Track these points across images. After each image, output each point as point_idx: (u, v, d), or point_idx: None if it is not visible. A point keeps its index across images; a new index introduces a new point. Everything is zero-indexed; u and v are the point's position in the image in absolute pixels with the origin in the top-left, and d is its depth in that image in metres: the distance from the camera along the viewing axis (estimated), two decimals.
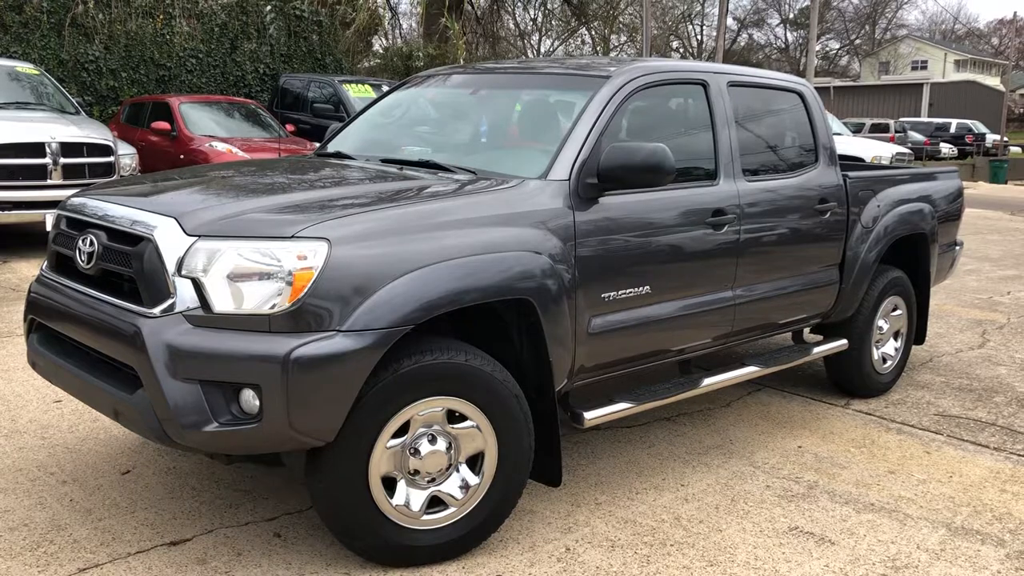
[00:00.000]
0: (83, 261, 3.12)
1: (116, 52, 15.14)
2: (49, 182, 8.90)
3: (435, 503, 3.16)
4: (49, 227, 3.56)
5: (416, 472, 3.09)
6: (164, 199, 3.20)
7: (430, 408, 3.06)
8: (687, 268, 3.95)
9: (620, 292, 3.64)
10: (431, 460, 3.10)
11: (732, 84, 4.33)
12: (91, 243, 3.10)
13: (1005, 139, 44.99)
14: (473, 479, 3.20)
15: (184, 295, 2.82)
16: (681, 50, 63.86)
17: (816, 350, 4.89)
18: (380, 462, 3.01)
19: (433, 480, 3.14)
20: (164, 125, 11.47)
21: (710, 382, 4.21)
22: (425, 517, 3.13)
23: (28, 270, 8.47)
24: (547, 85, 4.15)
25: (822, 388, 5.47)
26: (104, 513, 3.50)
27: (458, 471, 3.18)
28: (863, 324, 5.14)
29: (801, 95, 4.81)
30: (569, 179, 3.49)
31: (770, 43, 69.64)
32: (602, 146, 3.58)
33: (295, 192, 3.32)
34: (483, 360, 3.14)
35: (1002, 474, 4.29)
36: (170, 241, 2.85)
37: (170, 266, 2.83)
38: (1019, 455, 4.55)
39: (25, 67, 10.88)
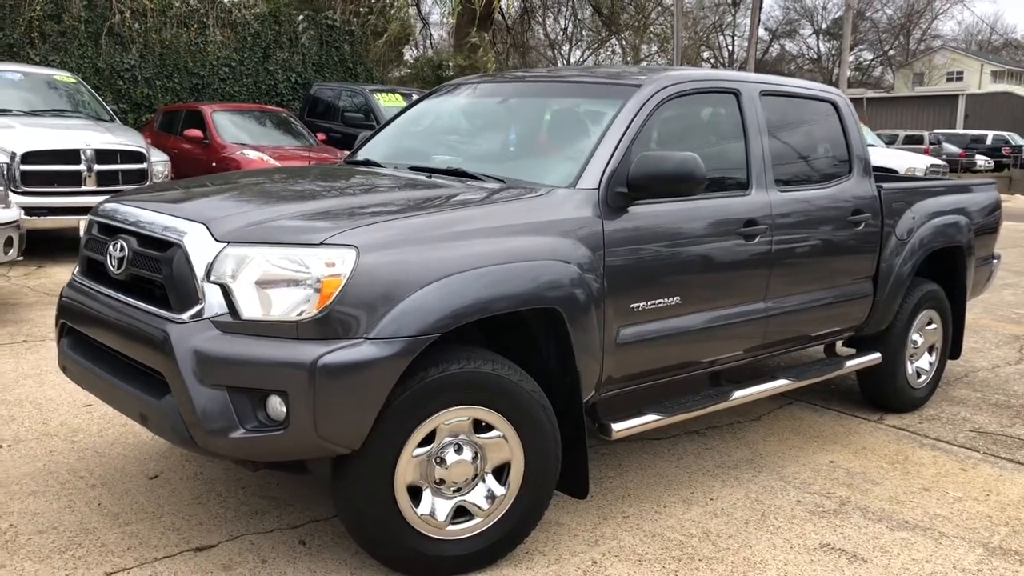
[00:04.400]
0: (113, 266, 3.14)
1: (151, 61, 15.33)
2: (84, 188, 9.01)
3: (460, 513, 3.14)
4: (82, 232, 3.59)
5: (442, 481, 3.07)
6: (194, 205, 3.21)
7: (456, 417, 3.04)
8: (718, 279, 3.91)
9: (649, 302, 3.60)
10: (457, 470, 3.07)
11: (764, 93, 4.29)
12: (121, 248, 3.12)
13: None
14: (499, 489, 3.17)
15: (212, 301, 2.82)
16: (712, 60, 63.64)
17: (849, 363, 4.82)
18: (406, 471, 2.99)
19: (459, 490, 3.11)
20: (197, 133, 11.58)
21: (740, 395, 4.16)
22: (450, 527, 3.11)
23: (62, 275, 8.56)
24: (576, 94, 4.13)
25: (854, 402, 5.38)
26: (132, 517, 3.50)
27: (484, 481, 3.15)
28: (897, 338, 5.06)
29: (835, 104, 4.75)
30: (598, 188, 3.46)
31: (802, 54, 69.20)
32: (632, 155, 3.55)
33: (324, 199, 3.32)
34: (510, 369, 3.12)
35: None
36: (199, 247, 2.86)
37: (199, 272, 2.84)
38: None
39: (63, 75, 11.04)
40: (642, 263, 3.55)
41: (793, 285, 4.29)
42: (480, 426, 3.10)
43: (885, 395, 5.19)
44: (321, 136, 12.62)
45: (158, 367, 2.87)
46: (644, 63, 41.87)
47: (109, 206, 3.43)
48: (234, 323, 2.80)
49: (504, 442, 3.13)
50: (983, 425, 5.16)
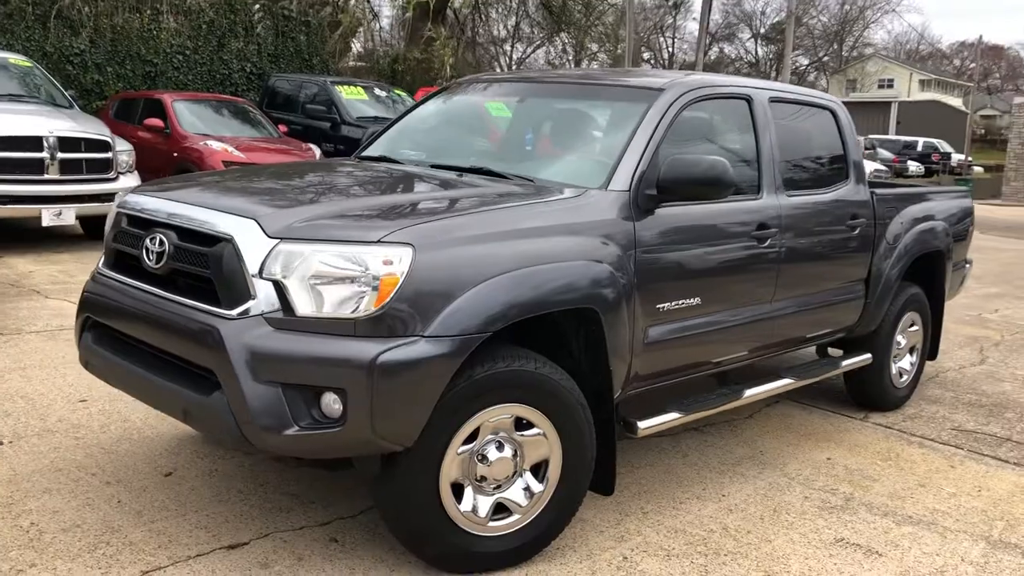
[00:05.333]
0: (151, 261, 3.09)
1: (102, 46, 14.93)
2: (46, 177, 8.76)
3: (499, 510, 3.17)
4: (108, 226, 3.51)
5: (483, 478, 3.10)
6: (240, 201, 3.17)
7: (500, 415, 3.07)
8: (733, 281, 4.00)
9: (673, 303, 3.67)
10: (499, 467, 3.10)
11: (773, 100, 4.40)
12: (161, 243, 3.06)
13: (969, 159, 45.88)
14: (537, 486, 3.21)
15: (264, 297, 2.80)
16: (652, 62, 64.32)
17: (844, 363, 4.96)
18: (450, 468, 3.01)
19: (499, 487, 3.14)
20: (157, 122, 11.33)
21: (751, 393, 4.26)
22: (491, 524, 3.14)
23: (24, 265, 8.33)
24: (598, 96, 4.18)
25: (839, 401, 5.54)
26: (155, 515, 3.45)
27: (523, 478, 3.19)
28: (884, 339, 5.23)
29: (833, 112, 4.89)
30: (629, 190, 3.52)
31: (740, 57, 70.41)
32: (659, 157, 3.61)
33: (365, 196, 3.32)
34: (551, 368, 3.16)
35: None
36: (251, 243, 2.84)
37: (251, 268, 2.81)
38: None
39: (17, 59, 10.70)
40: (668, 264, 3.62)
41: (797, 287, 4.41)
42: (520, 423, 3.14)
43: (871, 394, 5.36)
44: (283, 128, 12.45)
45: (207, 364, 2.84)
46: (588, 63, 42.15)
47: (138, 199, 3.37)
48: (288, 320, 2.78)
49: (544, 439, 3.17)
50: (962, 423, 5.36)
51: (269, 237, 2.83)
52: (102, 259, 3.46)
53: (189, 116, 11.54)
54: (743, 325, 4.11)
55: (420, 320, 2.79)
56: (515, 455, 3.14)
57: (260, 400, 2.73)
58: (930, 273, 5.63)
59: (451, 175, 3.73)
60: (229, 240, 2.87)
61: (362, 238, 2.81)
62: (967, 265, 6.26)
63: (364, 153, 4.47)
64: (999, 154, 54.43)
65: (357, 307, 2.76)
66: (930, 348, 5.82)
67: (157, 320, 3.03)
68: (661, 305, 3.62)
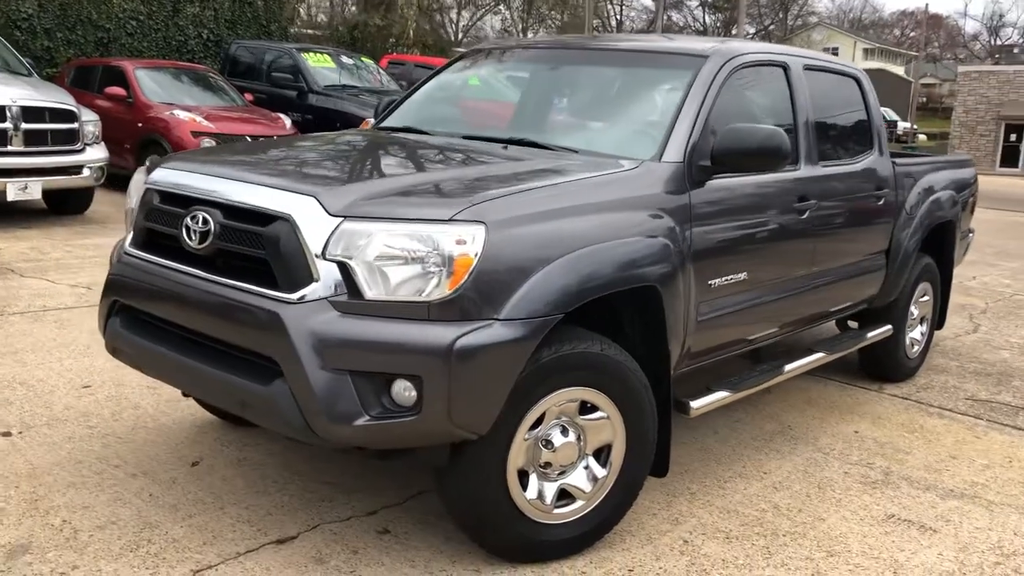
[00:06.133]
0: (193, 241, 2.87)
1: (51, 11, 14.27)
2: (9, 148, 8.33)
3: (562, 496, 3.05)
4: (133, 202, 3.28)
5: (548, 465, 2.97)
6: (292, 176, 2.97)
7: (566, 399, 2.94)
8: (776, 254, 3.91)
9: (723, 278, 3.57)
10: (564, 452, 2.98)
11: (807, 68, 4.29)
12: (204, 221, 2.85)
13: (915, 127, 46.68)
14: (600, 471, 3.09)
15: (328, 280, 2.62)
16: (601, 29, 63.98)
17: (869, 335, 4.92)
18: (517, 455, 2.89)
19: (563, 472, 3.02)
20: (119, 91, 10.88)
21: (790, 368, 4.20)
22: (556, 511, 3.02)
23: None
24: (637, 63, 4.01)
25: (852, 373, 5.51)
26: (192, 509, 3.27)
27: (586, 463, 3.07)
28: (901, 310, 5.21)
29: (859, 80, 4.81)
30: (683, 161, 3.39)
31: (688, 25, 70.41)
32: (709, 127, 3.49)
33: (423, 171, 3.14)
34: (615, 350, 3.03)
35: None
36: (311, 222, 2.65)
37: (313, 248, 2.63)
38: None
39: None
40: (719, 239, 3.52)
41: (829, 260, 4.34)
42: (584, 407, 3.01)
43: (885, 366, 5.34)
44: (248, 96, 12.06)
45: (267, 351, 2.65)
46: (540, 29, 41.74)
47: (171, 174, 3.13)
48: (355, 303, 2.61)
49: (608, 423, 3.05)
50: (974, 393, 5.37)
51: (331, 215, 2.64)
52: (129, 238, 3.22)
53: (151, 84, 11.10)
54: (782, 300, 4.02)
55: (494, 302, 2.64)
56: (578, 440, 3.02)
57: (328, 389, 2.56)
58: (940, 243, 5.61)
59: (495, 147, 3.56)
60: (287, 219, 2.67)
61: (433, 216, 2.64)
62: (971, 234, 6.27)
63: (385, 124, 4.26)
64: (941, 122, 55.48)
65: (431, 290, 2.59)
66: (938, 318, 5.82)
67: (204, 305, 2.82)
68: (713, 281, 3.51)
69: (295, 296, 2.63)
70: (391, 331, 2.58)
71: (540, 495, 2.97)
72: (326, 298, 2.61)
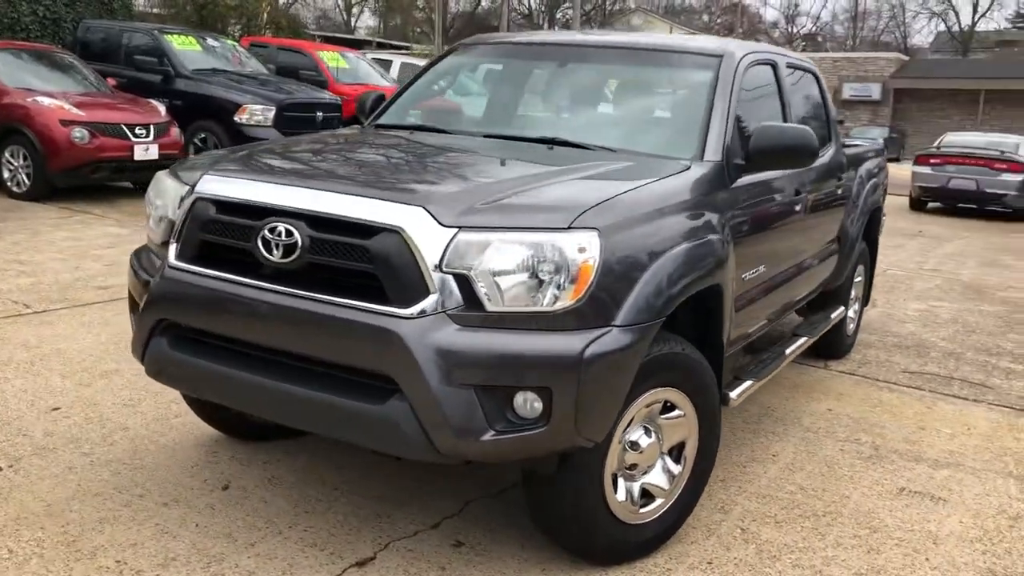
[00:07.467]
0: (276, 254, 2.68)
1: None
2: None
3: (642, 496, 3.08)
4: (169, 211, 3.00)
5: (633, 466, 2.99)
6: (383, 185, 2.82)
7: (654, 399, 2.97)
8: (782, 246, 4.08)
9: (750, 271, 3.69)
10: (648, 453, 3.01)
11: (788, 65, 4.47)
12: (288, 234, 2.66)
13: None
14: (676, 468, 3.14)
15: (445, 293, 2.52)
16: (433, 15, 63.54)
17: (832, 316, 5.19)
18: (612, 459, 2.89)
19: (645, 472, 3.05)
20: None
21: (789, 352, 4.39)
22: (641, 511, 3.05)
23: None
24: (654, 61, 4.03)
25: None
26: (250, 536, 3.07)
27: (663, 462, 3.11)
28: (845, 292, 5.53)
29: (815, 75, 5.05)
30: (722, 160, 3.47)
31: (514, 8, 71.11)
32: (737, 125, 3.58)
33: (506, 175, 3.02)
34: (691, 349, 3.08)
35: (1003, 424, 4.81)
36: (425, 234, 2.53)
37: (429, 261, 2.52)
38: (999, 405, 5.12)
39: None
40: (748, 234, 3.62)
41: (810, 247, 4.57)
42: (663, 407, 3.05)
43: (831, 344, 5.67)
44: (112, 81, 11.24)
45: (384, 369, 2.53)
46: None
47: (225, 184, 2.88)
48: (475, 316, 2.53)
49: (684, 421, 3.10)
50: (906, 366, 5.80)
51: (444, 226, 2.54)
52: (174, 251, 2.94)
53: (3, 68, 10.14)
54: (780, 289, 4.20)
55: (610, 309, 2.63)
56: (658, 439, 3.06)
57: (454, 406, 2.48)
58: (871, 226, 5.99)
59: (539, 147, 3.51)
60: (396, 231, 2.54)
61: (551, 224, 2.59)
62: (884, 216, 6.72)
63: (384, 121, 4.11)
64: None
65: (554, 299, 2.55)
66: (865, 296, 6.23)
67: (295, 323, 2.64)
68: (744, 275, 3.62)
69: (412, 311, 2.51)
70: (517, 343, 2.53)
71: (629, 497, 2.99)
72: (444, 311, 2.52)
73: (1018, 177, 15.27)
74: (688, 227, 3.06)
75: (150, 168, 10.13)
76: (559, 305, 2.55)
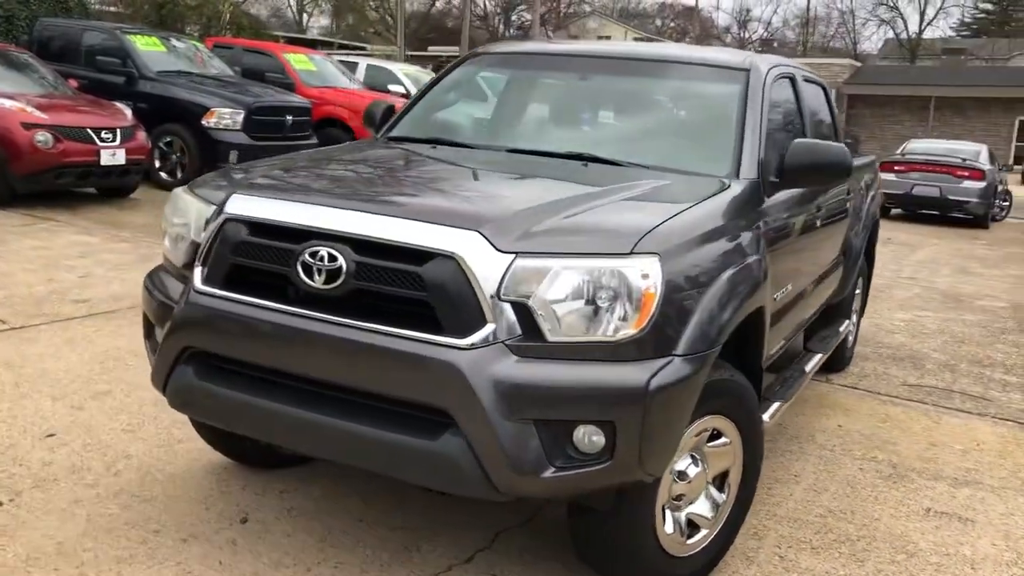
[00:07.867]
0: (318, 280, 2.53)
1: None
2: None
3: (687, 526, 2.98)
4: (192, 231, 2.83)
5: (680, 497, 2.89)
6: (432, 208, 2.66)
7: (701, 428, 2.87)
8: (806, 262, 4.01)
9: (778, 291, 3.61)
10: (696, 483, 2.91)
11: (805, 79, 4.41)
12: (331, 258, 2.51)
13: None
14: (720, 497, 3.05)
15: (503, 322, 2.39)
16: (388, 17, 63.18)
17: (841, 330, 5.16)
18: (663, 491, 2.79)
19: (691, 502, 2.95)
20: None
21: (808, 369, 4.32)
22: (688, 542, 2.94)
23: None
24: (676, 74, 3.93)
25: None
26: (279, 575, 2.91)
27: (708, 491, 3.01)
28: (848, 304, 5.50)
29: (823, 87, 5.00)
30: (758, 177, 3.39)
31: (472, 11, 70.96)
32: (771, 141, 3.51)
33: (556, 197, 2.87)
34: (738, 375, 2.99)
35: (1010, 439, 4.81)
36: (481, 260, 2.40)
37: (486, 289, 2.38)
38: (1003, 419, 5.13)
39: None
40: (780, 255, 3.53)
41: (824, 261, 4.52)
42: (710, 435, 2.95)
43: (834, 358, 5.61)
44: (73, 82, 10.87)
45: (439, 402, 2.39)
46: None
47: (259, 204, 2.71)
48: (535, 347, 2.40)
49: (729, 449, 3.01)
50: (904, 379, 5.79)
51: (501, 252, 2.41)
52: (200, 275, 2.77)
53: None
54: (798, 306, 4.13)
55: (672, 338, 2.52)
56: (703, 468, 2.96)
57: (514, 441, 2.35)
58: (869, 238, 5.98)
59: (574, 164, 3.39)
60: (451, 257, 2.41)
61: (612, 249, 2.47)
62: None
63: (396, 134, 3.95)
64: None
65: (618, 328, 2.43)
66: (862, 307, 6.22)
67: (341, 353, 2.49)
68: (775, 295, 3.54)
69: (468, 341, 2.38)
70: (579, 374, 2.41)
71: (677, 529, 2.89)
72: (503, 342, 2.39)
73: (979, 184, 15.54)
74: (735, 249, 2.96)
75: (116, 174, 9.93)
76: (622, 334, 2.44)
